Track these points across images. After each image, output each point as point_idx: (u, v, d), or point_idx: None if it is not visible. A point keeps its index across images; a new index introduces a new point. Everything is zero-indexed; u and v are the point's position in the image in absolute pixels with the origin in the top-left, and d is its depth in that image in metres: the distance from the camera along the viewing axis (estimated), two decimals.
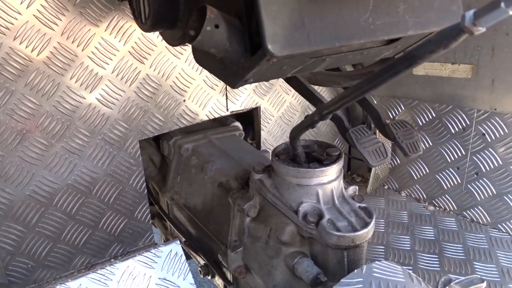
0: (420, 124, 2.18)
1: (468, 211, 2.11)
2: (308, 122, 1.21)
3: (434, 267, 1.80)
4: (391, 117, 2.29)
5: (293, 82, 1.64)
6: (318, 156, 1.40)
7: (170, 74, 1.80)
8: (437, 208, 2.23)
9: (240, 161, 1.76)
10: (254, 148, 1.98)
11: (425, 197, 2.29)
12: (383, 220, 2.15)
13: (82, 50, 1.58)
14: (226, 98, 2.00)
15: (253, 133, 2.29)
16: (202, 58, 1.04)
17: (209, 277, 1.77)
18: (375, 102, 2.38)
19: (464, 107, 1.98)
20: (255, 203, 1.45)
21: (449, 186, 2.16)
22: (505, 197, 1.95)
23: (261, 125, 2.17)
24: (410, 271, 1.20)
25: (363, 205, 1.35)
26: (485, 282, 0.92)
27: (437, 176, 2.19)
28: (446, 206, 2.20)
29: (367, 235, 1.26)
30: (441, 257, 1.86)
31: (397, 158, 2.38)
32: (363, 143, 1.71)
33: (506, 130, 1.87)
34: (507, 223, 1.97)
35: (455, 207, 2.16)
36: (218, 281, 1.74)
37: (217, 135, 2.02)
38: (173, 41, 1.10)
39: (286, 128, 2.26)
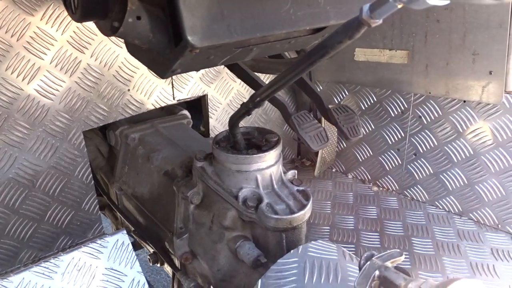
0: (363, 108, 2.27)
1: (408, 190, 2.22)
2: (244, 110, 1.25)
3: (376, 244, 1.90)
4: (337, 102, 2.36)
5: (235, 69, 1.67)
6: (258, 143, 1.44)
7: (112, 64, 1.78)
8: (381, 189, 2.34)
9: (187, 149, 1.78)
10: (201, 136, 2.00)
11: (369, 178, 2.39)
12: (329, 202, 2.24)
13: (17, 40, 1.54)
14: (172, 87, 2.00)
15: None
16: (133, 49, 1.05)
17: (158, 265, 1.79)
18: (320, 89, 2.45)
19: (401, 91, 2.07)
20: (198, 190, 1.48)
21: (391, 167, 2.27)
22: (441, 176, 2.07)
23: (209, 113, 2.19)
24: (344, 249, 1.27)
25: (301, 188, 1.40)
26: (403, 256, 0.99)
27: (379, 158, 2.29)
28: (389, 186, 2.31)
29: (304, 217, 1.32)
30: (382, 234, 1.96)
31: (343, 142, 2.47)
32: (305, 128, 1.76)
33: (440, 112, 1.98)
34: (443, 200, 2.10)
35: (397, 187, 2.27)
36: (167, 268, 1.77)
37: (165, 124, 2.02)
38: (106, 31, 1.09)
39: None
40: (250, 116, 2.38)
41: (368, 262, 0.97)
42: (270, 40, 0.96)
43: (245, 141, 1.44)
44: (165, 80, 1.96)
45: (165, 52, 0.88)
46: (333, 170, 2.56)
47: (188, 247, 1.53)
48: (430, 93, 1.97)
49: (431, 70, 1.91)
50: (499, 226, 1.94)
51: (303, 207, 1.32)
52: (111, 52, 1.77)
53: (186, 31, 0.78)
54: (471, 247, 1.85)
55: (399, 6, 0.59)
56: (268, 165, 1.36)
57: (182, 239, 1.51)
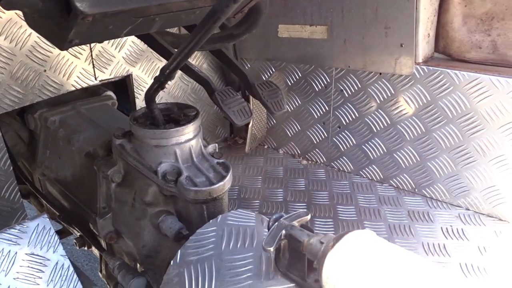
0: (290, 84, 2.32)
1: (335, 162, 2.32)
2: (157, 84, 1.25)
3: None
4: (264, 79, 2.40)
5: (156, 46, 1.66)
6: (177, 118, 1.44)
7: (24, 43, 1.70)
8: (310, 162, 2.42)
9: (109, 129, 1.74)
10: (125, 115, 1.97)
11: (299, 152, 2.46)
12: (260, 177, 2.29)
13: None
14: (93, 67, 1.95)
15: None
16: (31, 21, 1.01)
17: (86, 248, 1.76)
18: (248, 66, 2.48)
19: (323, 66, 2.14)
20: (119, 168, 1.46)
21: (318, 141, 2.35)
22: (363, 147, 2.18)
23: (135, 93, 2.16)
24: (264, 216, 1.32)
25: (221, 160, 1.43)
26: (309, 215, 1.05)
27: (307, 132, 2.37)
28: (317, 159, 2.39)
29: (224, 188, 1.35)
30: (309, 204, 2.04)
31: (273, 119, 2.52)
32: (228, 104, 1.79)
33: (359, 85, 2.07)
34: (366, 169, 2.21)
35: (325, 159, 2.36)
36: (95, 250, 1.74)
37: (87, 105, 1.96)
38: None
39: (162, 94, 2.26)
40: (179, 95, 2.38)
41: (276, 223, 1.02)
42: (173, 10, 0.96)
43: (164, 117, 1.44)
44: (85, 59, 1.90)
45: (59, 22, 0.86)
46: (265, 147, 2.61)
47: (113, 226, 1.51)
48: (349, 67, 2.05)
49: (349, 45, 1.99)
50: (416, 190, 2.08)
51: (222, 178, 1.34)
52: (22, 31, 1.68)
53: None
54: (390, 211, 1.97)
55: None
56: (186, 139, 1.37)
57: (105, 218, 1.49)
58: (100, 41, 1.17)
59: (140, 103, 2.19)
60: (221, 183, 1.33)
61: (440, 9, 1.85)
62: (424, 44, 1.84)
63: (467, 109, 1.79)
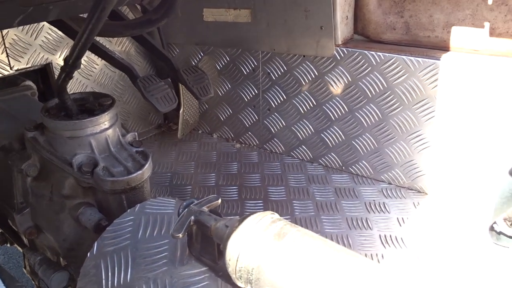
0: (219, 68, 2.32)
1: (267, 144, 2.36)
2: (64, 73, 1.21)
3: (234, 197, 2.01)
4: (194, 63, 2.38)
5: (70, 33, 1.60)
6: (91, 107, 1.41)
7: None
8: (243, 145, 2.45)
9: (26, 122, 1.67)
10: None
11: (232, 136, 2.48)
12: (193, 163, 2.29)
13: None
14: (7, 55, 1.85)
15: None
16: None
17: (8, 245, 1.71)
18: (177, 51, 2.45)
19: (250, 50, 2.15)
20: (34, 162, 1.41)
21: (250, 124, 2.38)
22: (292, 128, 2.23)
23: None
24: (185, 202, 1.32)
25: (140, 149, 1.41)
26: (220, 200, 1.07)
27: (239, 116, 2.39)
28: (250, 142, 2.42)
29: (143, 177, 1.34)
30: (240, 187, 2.07)
31: (205, 103, 2.51)
32: (151, 91, 1.77)
33: (285, 68, 2.10)
34: (297, 150, 2.27)
35: (257, 142, 2.40)
36: (18, 247, 1.69)
37: (4, 96, 1.87)
38: None
39: (87, 82, 2.20)
40: (106, 82, 2.32)
41: (186, 210, 1.03)
42: None
43: (79, 107, 1.40)
44: None
45: None
46: (199, 132, 2.61)
47: (32, 221, 1.47)
48: (274, 50, 2.07)
49: (272, 28, 2.01)
50: (343, 168, 2.16)
51: (141, 167, 1.33)
52: None
53: None
54: (318, 189, 2.04)
55: None
56: (102, 128, 1.34)
57: (23, 214, 1.45)
58: None
59: None
60: (139, 172, 1.31)
61: None
62: (343, 26, 1.90)
63: (384, 88, 1.88)
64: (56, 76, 2.07)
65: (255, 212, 0.94)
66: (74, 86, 2.15)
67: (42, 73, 2.06)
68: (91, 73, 2.20)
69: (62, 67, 1.20)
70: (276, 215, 0.94)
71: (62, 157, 1.33)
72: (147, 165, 1.35)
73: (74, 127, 1.30)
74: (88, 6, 1.09)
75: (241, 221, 0.91)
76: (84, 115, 1.34)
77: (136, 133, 1.49)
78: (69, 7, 0.98)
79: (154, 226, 1.19)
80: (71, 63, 1.13)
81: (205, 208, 1.04)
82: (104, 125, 1.35)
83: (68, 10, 1.02)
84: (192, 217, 1.01)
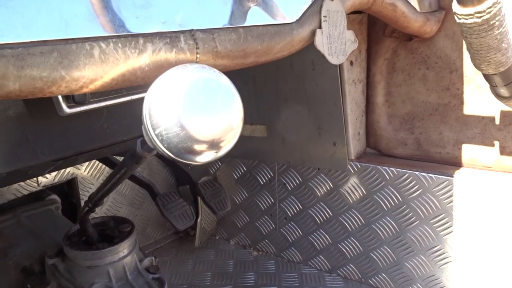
0: (236, 177, 2.39)
1: (284, 252, 2.34)
2: (87, 208, 1.27)
3: None
4: (212, 172, 2.45)
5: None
6: (111, 234, 1.45)
7: None
8: (260, 253, 2.43)
9: (49, 241, 1.72)
10: (69, 222, 1.95)
11: (249, 243, 2.48)
12: (209, 273, 2.27)
13: None
14: None
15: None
16: None
17: None
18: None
19: (266, 161, 2.22)
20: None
21: (267, 232, 2.38)
22: (309, 237, 2.22)
23: (81, 195, 2.15)
24: None
25: (156, 276, 1.43)
26: None
27: (256, 223, 2.40)
28: (267, 250, 2.41)
29: None
30: None
31: None
32: (169, 209, 1.82)
33: (300, 179, 2.15)
34: (314, 259, 2.24)
35: (274, 250, 2.38)
36: None
37: (29, 212, 1.94)
38: None
39: (111, 195, 2.27)
40: (127, 192, 2.39)
41: None
42: (90, 151, 1.01)
43: (100, 231, 1.45)
44: None
45: None
46: (216, 238, 2.62)
47: None
48: (289, 162, 2.14)
49: (287, 142, 2.09)
50: (363, 280, 2.11)
51: None
52: None
53: None
54: None
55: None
56: (120, 256, 1.37)
57: None
58: (22, 181, 1.20)
59: None
60: None
61: (367, 110, 2.00)
62: (355, 142, 1.96)
63: (399, 202, 1.89)
64: (80, 190, 2.15)
65: None
66: None
67: (67, 186, 2.15)
68: None
69: (86, 202, 1.26)
70: None
71: (80, 286, 1.35)
72: None
73: (93, 257, 1.33)
74: (113, 151, 1.18)
75: None
76: (104, 243, 1.38)
77: (153, 258, 1.51)
78: (96, 154, 1.06)
79: None
80: (95, 202, 1.19)
81: None
82: (122, 253, 1.38)
83: (94, 157, 1.10)
84: None
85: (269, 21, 0.98)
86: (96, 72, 0.65)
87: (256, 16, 0.96)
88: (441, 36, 1.74)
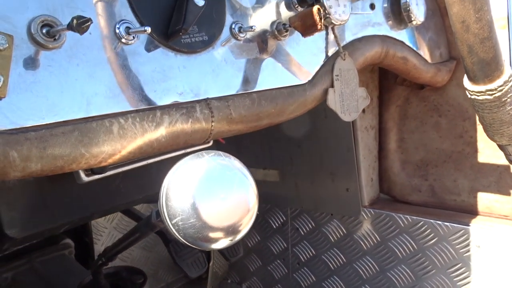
0: None
1: None
2: (101, 261, 1.27)
3: None
4: None
5: None
6: (124, 285, 1.45)
7: None
8: None
9: None
10: (82, 268, 1.95)
11: (262, 287, 2.44)
12: None
13: None
14: None
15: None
16: None
17: None
18: None
19: (279, 206, 2.22)
20: None
21: (279, 276, 2.35)
22: (323, 284, 2.18)
23: (94, 239, 2.16)
24: None
25: None
26: None
27: (268, 267, 2.37)
28: None
29: None
30: None
31: None
32: (182, 256, 1.81)
33: (314, 224, 2.13)
34: None
35: None
36: None
37: (43, 257, 1.95)
38: None
39: (120, 235, 2.27)
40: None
41: None
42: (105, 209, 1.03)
43: (112, 281, 1.45)
44: None
45: None
46: (228, 281, 2.58)
47: None
48: (302, 207, 2.13)
49: (300, 187, 2.09)
50: None
51: None
52: None
53: (4, 226, 0.82)
54: None
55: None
56: None
57: None
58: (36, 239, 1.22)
59: (98, 248, 2.18)
60: None
61: (380, 156, 1.99)
62: (368, 188, 1.95)
63: (415, 250, 1.85)
64: (93, 233, 2.16)
65: None
66: (108, 239, 2.22)
67: (81, 227, 2.16)
68: (126, 228, 2.29)
69: (100, 255, 1.27)
70: None
71: None
72: None
73: None
74: (130, 205, 1.20)
75: None
76: None
77: None
78: (111, 211, 1.08)
79: None
80: (108, 257, 1.20)
81: None
82: None
83: (109, 213, 1.12)
84: None
85: (282, 83, 1.00)
86: (114, 148, 0.67)
87: (269, 79, 0.98)
88: (453, 85, 1.75)
